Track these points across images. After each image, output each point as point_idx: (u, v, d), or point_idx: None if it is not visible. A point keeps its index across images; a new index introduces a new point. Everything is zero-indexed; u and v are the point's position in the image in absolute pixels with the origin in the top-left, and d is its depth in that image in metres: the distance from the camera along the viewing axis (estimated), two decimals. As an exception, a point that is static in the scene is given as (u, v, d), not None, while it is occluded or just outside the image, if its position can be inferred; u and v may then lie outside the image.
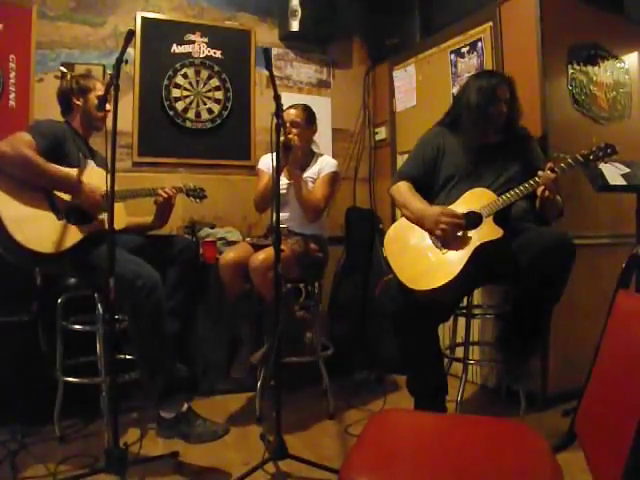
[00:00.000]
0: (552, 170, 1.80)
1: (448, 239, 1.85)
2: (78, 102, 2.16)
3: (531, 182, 1.85)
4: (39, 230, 1.90)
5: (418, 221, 1.95)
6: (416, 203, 1.99)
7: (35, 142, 1.92)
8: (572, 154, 1.84)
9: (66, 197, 2.01)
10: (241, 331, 2.41)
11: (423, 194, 2.05)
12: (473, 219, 1.87)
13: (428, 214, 1.91)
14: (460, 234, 1.85)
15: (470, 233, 1.85)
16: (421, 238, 1.92)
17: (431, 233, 1.90)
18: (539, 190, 1.83)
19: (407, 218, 2.02)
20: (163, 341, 2.01)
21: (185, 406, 2.05)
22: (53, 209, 1.97)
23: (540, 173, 1.82)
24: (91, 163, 2.15)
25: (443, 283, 1.74)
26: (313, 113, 2.57)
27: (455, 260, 1.79)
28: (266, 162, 2.58)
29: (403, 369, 2.08)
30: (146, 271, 1.99)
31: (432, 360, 2.00)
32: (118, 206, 2.13)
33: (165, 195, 2.24)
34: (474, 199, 1.91)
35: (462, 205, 1.92)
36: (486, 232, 1.82)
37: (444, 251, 1.85)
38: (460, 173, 2.03)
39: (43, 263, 2.02)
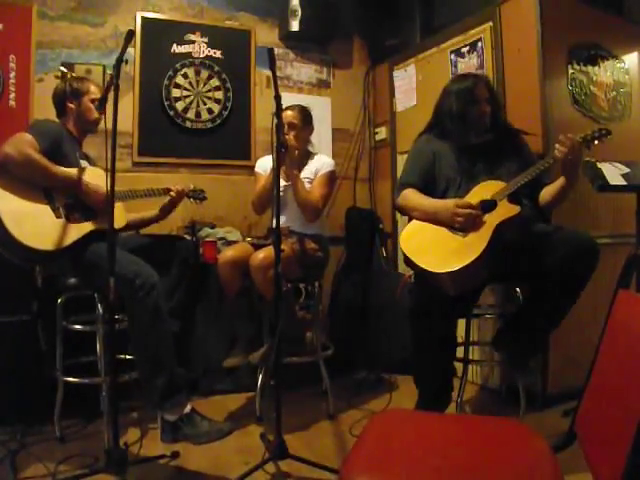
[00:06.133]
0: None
1: (467, 228, 1.85)
2: (72, 105, 2.16)
3: (544, 162, 1.83)
4: (38, 227, 1.89)
5: (433, 217, 1.94)
6: (427, 201, 2.00)
7: (37, 142, 1.92)
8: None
9: (65, 195, 2.01)
10: (238, 328, 2.41)
11: None
12: (488, 206, 1.88)
13: (443, 208, 1.91)
14: (477, 220, 1.86)
15: (487, 216, 1.86)
16: (438, 230, 1.91)
17: (449, 226, 1.89)
18: (562, 159, 1.76)
19: (419, 219, 2.00)
20: (163, 341, 2.00)
21: (188, 407, 2.05)
22: (52, 207, 1.97)
23: (557, 145, 1.77)
24: (85, 164, 2.15)
25: (472, 259, 1.74)
26: (309, 113, 2.54)
27: (478, 240, 1.80)
28: (262, 164, 2.58)
29: (414, 365, 2.05)
30: (145, 270, 1.99)
31: (447, 359, 2.01)
32: (117, 205, 2.12)
33: (175, 195, 2.34)
34: (484, 191, 1.92)
35: (473, 198, 1.93)
36: (503, 212, 1.84)
37: (464, 234, 1.85)
38: (460, 174, 2.04)
39: (41, 261, 2.02)
